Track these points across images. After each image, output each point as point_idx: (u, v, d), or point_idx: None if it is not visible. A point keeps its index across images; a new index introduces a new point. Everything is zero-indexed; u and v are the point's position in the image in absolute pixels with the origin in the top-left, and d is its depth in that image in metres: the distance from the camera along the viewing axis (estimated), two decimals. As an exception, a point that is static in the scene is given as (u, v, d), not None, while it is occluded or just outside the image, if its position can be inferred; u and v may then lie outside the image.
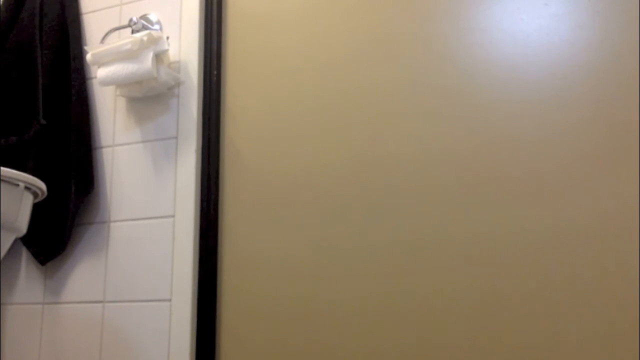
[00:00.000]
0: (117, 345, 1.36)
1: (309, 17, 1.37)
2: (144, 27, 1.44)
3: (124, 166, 1.45)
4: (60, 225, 1.43)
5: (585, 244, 1.07)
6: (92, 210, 1.46)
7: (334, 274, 1.24)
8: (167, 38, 1.44)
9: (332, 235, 1.25)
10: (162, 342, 1.32)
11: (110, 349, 1.37)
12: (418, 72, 1.25)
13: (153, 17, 1.48)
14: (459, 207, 1.17)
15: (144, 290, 1.37)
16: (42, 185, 1.16)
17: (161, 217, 1.38)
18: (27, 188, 1.12)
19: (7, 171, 1.06)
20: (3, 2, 1.57)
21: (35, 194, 1.17)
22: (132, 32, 1.45)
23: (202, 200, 1.36)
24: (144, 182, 1.42)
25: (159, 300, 1.34)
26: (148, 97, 1.46)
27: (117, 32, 1.50)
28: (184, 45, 1.44)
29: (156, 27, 1.47)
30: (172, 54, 1.45)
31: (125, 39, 1.36)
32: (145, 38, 1.34)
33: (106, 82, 1.39)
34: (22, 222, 1.12)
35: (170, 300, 1.33)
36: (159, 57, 1.38)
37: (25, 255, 1.50)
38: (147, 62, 1.34)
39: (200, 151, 1.39)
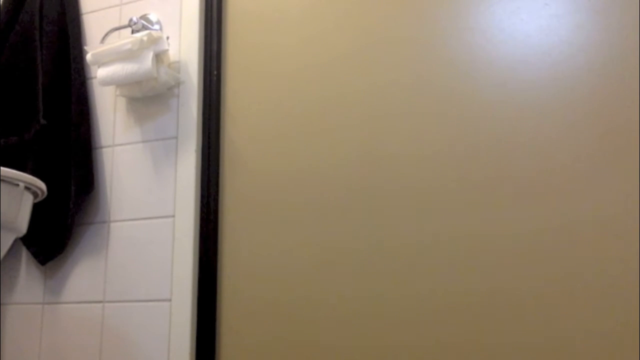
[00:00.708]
0: (117, 345, 1.36)
1: (309, 17, 1.37)
2: (144, 27, 1.44)
3: (124, 166, 1.45)
4: (60, 225, 1.43)
5: (585, 243, 1.07)
6: (92, 210, 1.46)
7: (334, 274, 1.24)
8: (167, 38, 1.44)
9: (332, 235, 1.25)
10: (162, 342, 1.32)
11: (110, 349, 1.37)
12: (418, 72, 1.25)
13: (153, 17, 1.49)
14: (459, 207, 1.17)
15: (144, 290, 1.37)
16: (42, 185, 1.16)
17: (161, 217, 1.38)
18: (27, 188, 1.12)
19: (7, 171, 1.06)
20: (3, 2, 1.57)
21: (35, 194, 1.17)
22: (132, 32, 1.45)
23: (202, 201, 1.36)
24: (144, 182, 1.42)
25: (159, 300, 1.34)
26: (148, 97, 1.46)
27: (117, 32, 1.50)
28: (184, 45, 1.44)
29: (156, 27, 1.47)
30: (172, 54, 1.45)
31: (125, 39, 1.36)
32: (145, 38, 1.34)
33: (106, 82, 1.39)
34: (22, 222, 1.12)
35: (170, 300, 1.33)
36: (159, 57, 1.38)
37: (25, 255, 1.50)
38: (147, 62, 1.34)
39: (200, 151, 1.39)
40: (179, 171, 1.39)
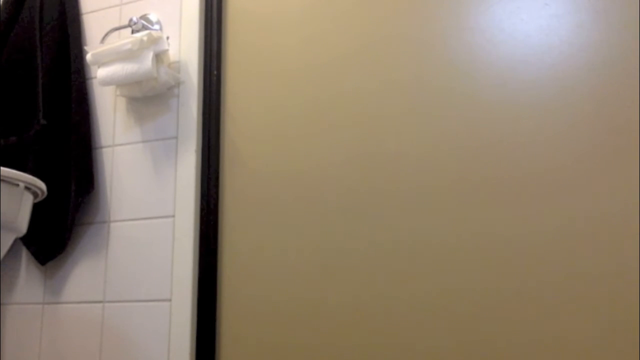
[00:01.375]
0: (117, 345, 1.36)
1: (309, 17, 1.37)
2: (144, 27, 1.44)
3: (124, 166, 1.45)
4: (60, 225, 1.43)
5: (585, 243, 1.07)
6: (92, 210, 1.46)
7: (334, 274, 1.24)
8: (167, 38, 1.44)
9: (332, 235, 1.25)
10: (162, 342, 1.32)
11: (110, 349, 1.37)
12: (418, 72, 1.25)
13: (153, 17, 1.49)
14: (459, 207, 1.17)
15: (144, 290, 1.37)
16: (42, 185, 1.16)
17: (161, 217, 1.38)
18: (27, 188, 1.12)
19: (7, 171, 1.06)
20: (3, 2, 1.57)
21: (35, 194, 1.17)
22: (132, 32, 1.45)
23: (202, 200, 1.36)
24: (144, 182, 1.42)
25: (159, 300, 1.34)
26: (148, 97, 1.46)
27: (117, 32, 1.50)
28: (184, 45, 1.44)
29: (156, 27, 1.47)
30: (172, 54, 1.45)
31: (125, 39, 1.36)
32: (145, 38, 1.34)
33: (106, 82, 1.39)
34: (22, 222, 1.12)
35: (170, 300, 1.33)
36: (159, 57, 1.38)
37: (25, 255, 1.50)
38: (147, 62, 1.34)
39: (200, 151, 1.39)
40: (179, 171, 1.39)
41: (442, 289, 1.15)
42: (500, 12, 1.21)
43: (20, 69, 1.51)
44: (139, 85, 1.39)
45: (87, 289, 1.43)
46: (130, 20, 1.43)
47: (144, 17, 1.48)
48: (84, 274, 1.44)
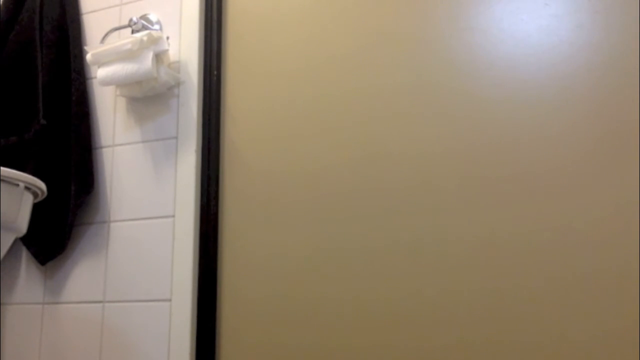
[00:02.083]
0: (117, 345, 1.36)
1: (309, 17, 1.37)
2: (144, 27, 1.44)
3: (124, 166, 1.45)
4: (60, 225, 1.43)
5: (585, 243, 1.07)
6: (92, 210, 1.46)
7: (334, 274, 1.24)
8: (167, 38, 1.44)
9: (332, 235, 1.25)
10: (162, 342, 1.32)
11: (110, 349, 1.37)
12: (418, 72, 1.25)
13: (153, 17, 1.49)
14: (459, 207, 1.17)
15: (144, 290, 1.37)
16: (42, 185, 1.16)
17: (161, 217, 1.38)
18: (27, 188, 1.12)
19: (7, 171, 1.06)
20: (3, 2, 1.57)
21: (35, 194, 1.17)
22: (132, 32, 1.45)
23: (202, 201, 1.36)
24: (144, 182, 1.42)
25: (159, 300, 1.34)
26: (148, 97, 1.46)
27: (117, 32, 1.50)
28: (184, 45, 1.44)
29: (156, 27, 1.47)
30: (172, 54, 1.45)
31: (125, 39, 1.36)
32: (145, 38, 1.34)
33: (106, 82, 1.39)
34: (22, 222, 1.12)
35: (170, 300, 1.33)
36: (159, 57, 1.38)
37: (25, 255, 1.50)
38: (147, 62, 1.34)
39: (200, 151, 1.39)
40: (179, 171, 1.39)
41: (442, 289, 1.15)
42: (500, 12, 1.21)
43: (20, 69, 1.51)
44: (139, 85, 1.39)
45: (87, 289, 1.43)
46: (130, 20, 1.43)
47: (144, 17, 1.48)
48: (84, 274, 1.44)
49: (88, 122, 1.48)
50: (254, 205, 1.33)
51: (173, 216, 1.37)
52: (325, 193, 1.28)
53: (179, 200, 1.37)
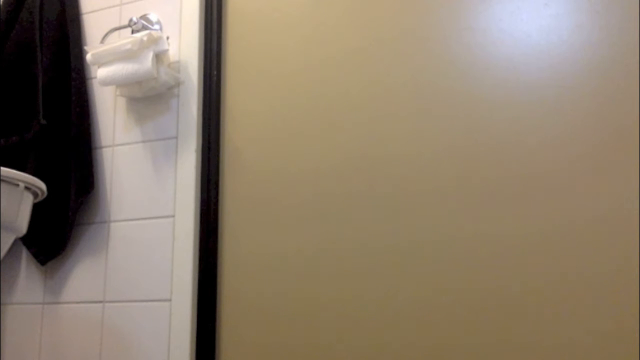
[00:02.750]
0: (117, 345, 1.36)
1: (309, 17, 1.37)
2: (144, 27, 1.44)
3: (124, 166, 1.45)
4: (60, 225, 1.43)
5: (585, 244, 1.07)
6: (92, 210, 1.46)
7: (334, 273, 1.24)
8: (167, 38, 1.44)
9: (332, 235, 1.25)
10: (162, 342, 1.32)
11: (110, 349, 1.37)
12: (418, 72, 1.25)
13: (153, 17, 1.48)
14: (459, 207, 1.17)
15: (144, 290, 1.37)
16: (42, 185, 1.16)
17: (161, 217, 1.38)
18: (27, 188, 1.12)
19: (7, 171, 1.06)
20: (3, 2, 1.57)
21: (35, 194, 1.17)
22: (132, 32, 1.45)
23: (202, 200, 1.36)
24: (144, 182, 1.42)
25: (159, 300, 1.34)
26: (148, 97, 1.46)
27: (117, 32, 1.50)
28: (184, 45, 1.44)
29: (156, 27, 1.47)
30: (172, 54, 1.45)
31: (125, 39, 1.36)
32: (145, 38, 1.34)
33: (106, 82, 1.39)
34: (22, 222, 1.12)
35: (170, 300, 1.33)
36: (159, 57, 1.38)
37: (25, 255, 1.50)
38: (147, 62, 1.34)
39: (200, 151, 1.39)
40: (179, 171, 1.39)
41: (442, 289, 1.15)
42: (500, 12, 1.21)
43: (20, 69, 1.51)
44: (139, 85, 1.39)
45: (87, 289, 1.43)
46: (130, 20, 1.43)
47: (144, 17, 1.48)
48: (84, 274, 1.44)
49: (88, 122, 1.48)
50: (254, 205, 1.33)
51: (173, 216, 1.37)
52: (325, 193, 1.28)
53: (179, 200, 1.37)
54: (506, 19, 1.20)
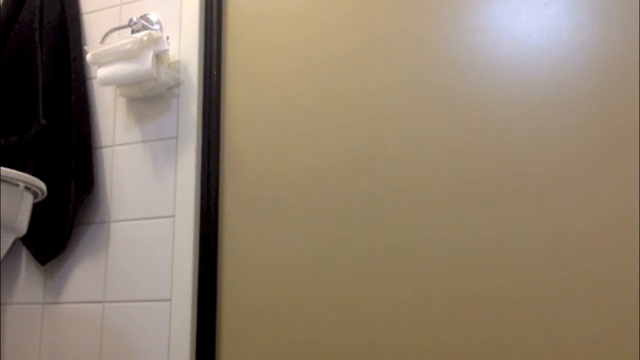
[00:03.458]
0: (117, 345, 1.36)
1: (309, 17, 1.37)
2: (144, 27, 1.44)
3: (124, 166, 1.45)
4: (60, 225, 1.43)
5: (585, 244, 1.07)
6: (92, 210, 1.46)
7: (334, 273, 1.24)
8: (167, 38, 1.44)
9: (332, 235, 1.25)
10: (162, 342, 1.32)
11: (110, 349, 1.37)
12: (418, 72, 1.25)
13: (153, 17, 1.49)
14: (458, 207, 1.17)
15: (144, 290, 1.37)
16: (42, 185, 1.16)
17: (161, 217, 1.38)
18: (27, 188, 1.12)
19: (7, 171, 1.06)
20: (3, 2, 1.57)
21: (35, 194, 1.17)
22: (132, 32, 1.45)
23: (202, 201, 1.36)
24: (144, 182, 1.42)
25: (159, 300, 1.34)
26: (148, 97, 1.46)
27: (117, 32, 1.50)
28: (184, 45, 1.44)
29: (156, 27, 1.47)
30: (172, 54, 1.45)
31: (125, 39, 1.36)
32: (145, 38, 1.34)
33: (106, 82, 1.39)
34: (22, 222, 1.12)
35: (170, 300, 1.33)
36: (159, 57, 1.38)
37: (25, 255, 1.50)
38: (147, 62, 1.34)
39: (200, 151, 1.39)
40: (179, 171, 1.39)
41: (442, 289, 1.15)
42: (500, 12, 1.21)
43: (20, 69, 1.51)
44: (139, 85, 1.39)
45: (87, 289, 1.43)
46: (130, 20, 1.43)
47: (144, 17, 1.48)
48: (84, 274, 1.44)
49: (88, 122, 1.48)
50: (254, 205, 1.33)
51: (173, 216, 1.37)
52: (324, 193, 1.28)
53: (179, 200, 1.37)
54: (506, 19, 1.20)
